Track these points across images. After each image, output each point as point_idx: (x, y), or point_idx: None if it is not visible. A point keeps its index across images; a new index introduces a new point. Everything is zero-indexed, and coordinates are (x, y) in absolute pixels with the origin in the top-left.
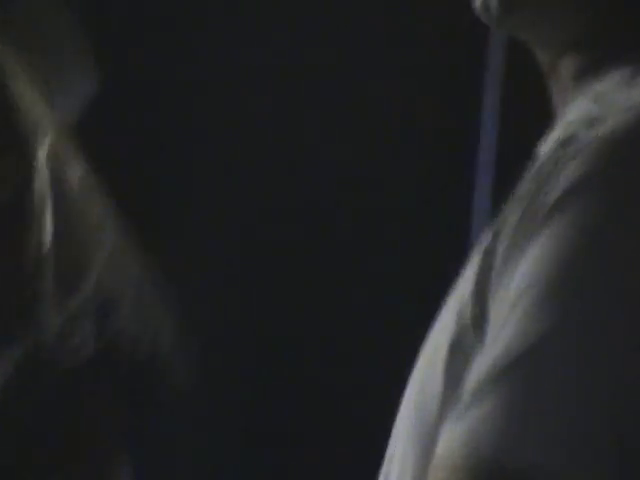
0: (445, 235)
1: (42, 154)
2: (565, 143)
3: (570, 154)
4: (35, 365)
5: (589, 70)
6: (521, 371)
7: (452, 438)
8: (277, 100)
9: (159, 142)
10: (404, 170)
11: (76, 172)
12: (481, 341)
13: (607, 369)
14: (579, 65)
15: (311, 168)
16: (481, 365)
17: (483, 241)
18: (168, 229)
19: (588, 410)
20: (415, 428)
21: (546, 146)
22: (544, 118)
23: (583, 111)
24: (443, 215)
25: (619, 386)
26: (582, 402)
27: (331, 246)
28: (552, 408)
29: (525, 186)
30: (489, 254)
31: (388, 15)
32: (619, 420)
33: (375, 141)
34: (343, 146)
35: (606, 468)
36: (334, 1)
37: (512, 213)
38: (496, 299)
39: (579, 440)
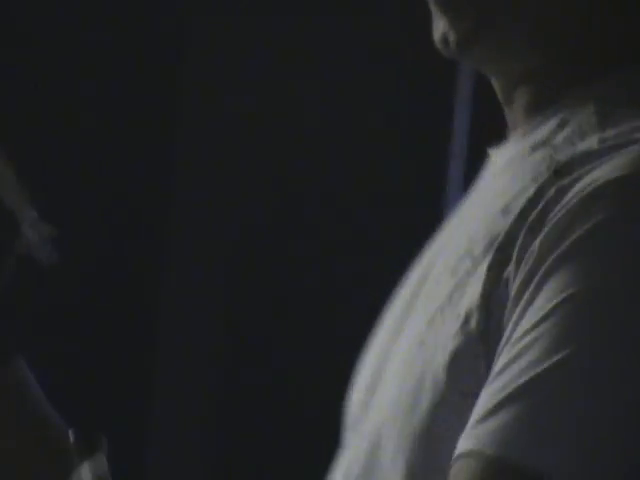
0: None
1: None
2: (560, 173)
3: (577, 189)
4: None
5: (543, 100)
6: (553, 380)
7: (482, 434)
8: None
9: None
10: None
11: None
12: (487, 353)
13: (630, 391)
14: (534, 95)
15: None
16: (513, 370)
17: (475, 249)
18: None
19: (604, 426)
20: (399, 422)
21: (524, 165)
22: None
23: (565, 140)
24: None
25: (633, 406)
26: (600, 418)
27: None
28: (574, 420)
29: (523, 205)
30: (497, 270)
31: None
32: (632, 438)
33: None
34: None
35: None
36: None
37: (519, 238)
38: (513, 316)
39: (593, 453)
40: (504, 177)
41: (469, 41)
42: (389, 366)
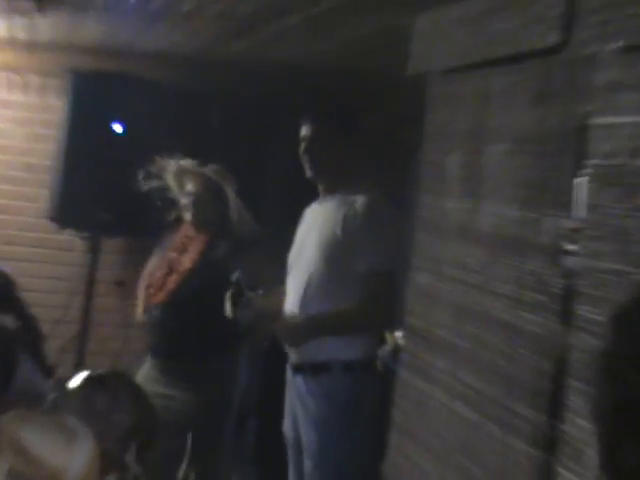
0: None
1: None
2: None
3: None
4: None
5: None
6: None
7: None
8: None
9: None
10: None
11: None
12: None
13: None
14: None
15: None
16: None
17: (333, 214)
18: None
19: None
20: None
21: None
22: None
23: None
24: None
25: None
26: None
27: None
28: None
29: (333, 211)
30: (346, 221)
31: None
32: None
33: None
34: None
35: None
36: None
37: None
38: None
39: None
40: (330, 205)
41: (314, 175)
42: (308, 241)
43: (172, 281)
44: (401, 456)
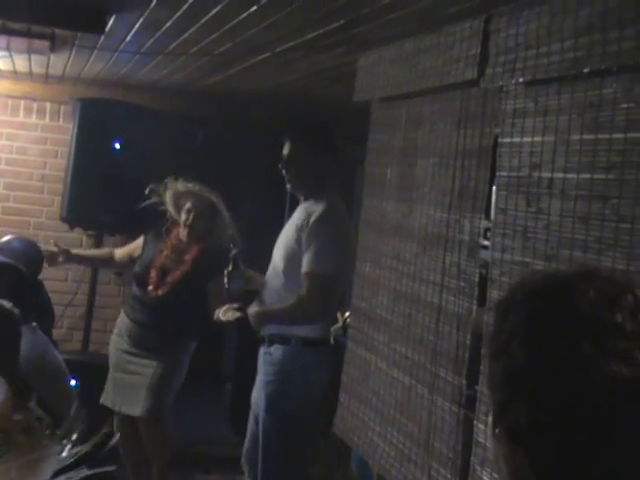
0: None
1: None
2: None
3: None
4: None
5: (308, 198)
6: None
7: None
8: None
9: None
10: None
11: None
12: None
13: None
14: (307, 197)
15: None
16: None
17: (295, 221)
18: None
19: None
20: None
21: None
22: None
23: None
24: None
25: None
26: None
27: None
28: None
29: (297, 218)
30: (300, 230)
31: None
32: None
33: None
34: None
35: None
36: None
37: (297, 222)
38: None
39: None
40: (297, 214)
41: (293, 189)
42: (279, 242)
43: (168, 279)
44: (349, 413)
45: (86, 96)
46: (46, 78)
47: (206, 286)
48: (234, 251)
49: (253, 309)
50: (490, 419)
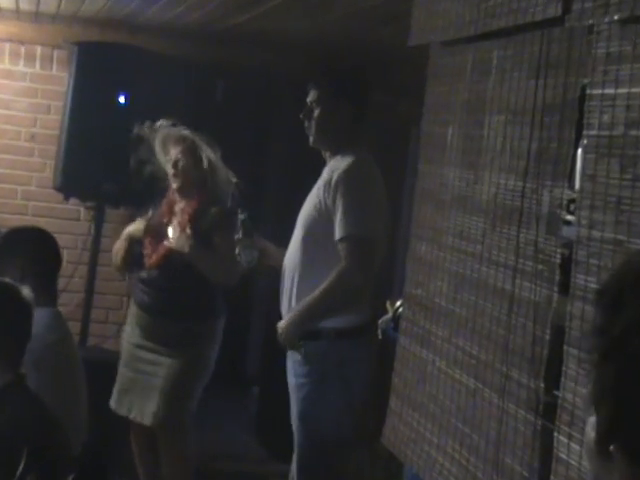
0: None
1: None
2: (332, 172)
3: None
4: None
5: (335, 155)
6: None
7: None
8: None
9: None
10: None
11: None
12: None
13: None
14: (333, 153)
15: None
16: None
17: (318, 183)
18: None
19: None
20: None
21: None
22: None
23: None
24: None
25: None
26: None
27: None
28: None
29: (320, 180)
30: (324, 191)
31: None
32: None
33: None
34: None
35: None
36: None
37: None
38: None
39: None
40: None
41: (315, 142)
42: (305, 208)
43: (163, 247)
44: (401, 421)
45: (84, 39)
46: (36, 16)
47: (211, 245)
48: (242, 215)
49: (280, 325)
50: (589, 432)
